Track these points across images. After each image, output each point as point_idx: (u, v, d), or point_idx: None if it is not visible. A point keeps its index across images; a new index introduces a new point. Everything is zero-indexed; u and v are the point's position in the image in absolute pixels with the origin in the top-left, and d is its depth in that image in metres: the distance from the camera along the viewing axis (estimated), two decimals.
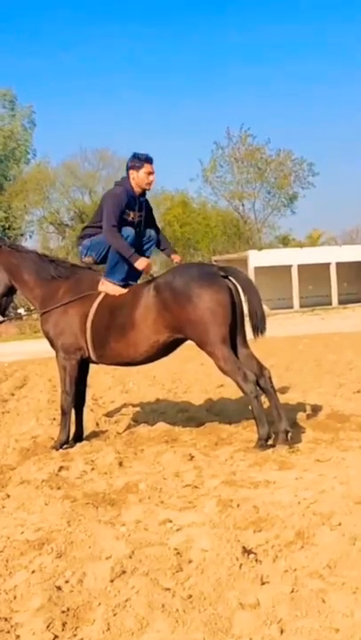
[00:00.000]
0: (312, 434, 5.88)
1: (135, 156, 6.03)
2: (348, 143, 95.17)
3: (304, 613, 2.69)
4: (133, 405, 7.98)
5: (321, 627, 2.59)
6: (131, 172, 6.03)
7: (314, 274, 39.70)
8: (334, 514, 3.67)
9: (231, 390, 7.98)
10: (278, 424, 5.46)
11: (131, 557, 3.30)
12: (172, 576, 3.10)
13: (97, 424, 6.98)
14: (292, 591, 2.87)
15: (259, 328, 5.64)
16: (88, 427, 6.70)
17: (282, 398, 7.65)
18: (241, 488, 4.38)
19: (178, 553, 3.32)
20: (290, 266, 39.21)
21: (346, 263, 40.57)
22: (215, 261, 39.93)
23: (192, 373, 10.91)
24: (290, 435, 5.47)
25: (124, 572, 3.15)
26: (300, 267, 39.21)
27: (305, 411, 6.84)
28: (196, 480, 4.68)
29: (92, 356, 6.03)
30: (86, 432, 6.51)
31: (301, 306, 38.51)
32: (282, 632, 2.58)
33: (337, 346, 14.81)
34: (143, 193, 6.17)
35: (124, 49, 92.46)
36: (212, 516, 3.86)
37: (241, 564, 3.10)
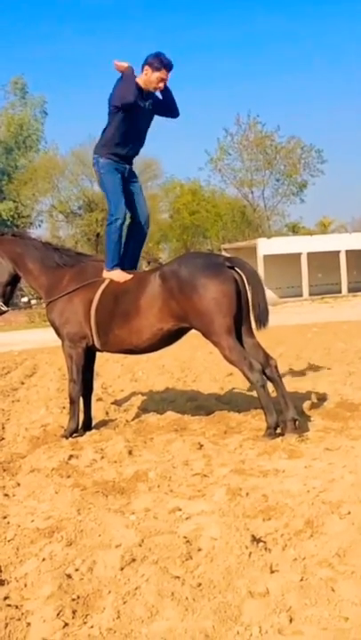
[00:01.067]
0: (321, 422, 5.88)
1: (157, 56, 5.84)
2: (356, 131, 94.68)
3: (313, 602, 2.70)
4: (142, 394, 7.99)
5: (330, 615, 2.60)
6: (146, 67, 5.86)
7: (323, 262, 39.50)
8: (344, 502, 3.67)
9: (240, 379, 7.96)
10: (286, 412, 5.47)
11: (140, 546, 3.32)
12: (182, 564, 3.11)
13: (106, 413, 7.00)
14: (302, 580, 2.88)
15: (261, 321, 5.64)
16: (97, 415, 6.72)
17: (291, 387, 7.66)
18: (250, 477, 4.39)
19: (187, 541, 3.33)
20: (299, 254, 39.00)
21: (356, 251, 40.33)
22: (224, 249, 39.90)
23: (201, 362, 10.91)
24: (298, 423, 5.48)
25: (133, 560, 3.17)
26: (310, 254, 39.01)
27: (314, 399, 6.84)
28: (205, 469, 4.69)
29: (97, 344, 6.04)
30: (96, 421, 6.53)
31: (311, 294, 38.36)
32: (291, 620, 2.59)
33: (347, 334, 14.76)
34: (148, 94, 6.02)
35: (132, 38, 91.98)
36: (221, 504, 3.87)
37: (250, 553, 3.11)
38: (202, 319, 5.48)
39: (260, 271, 36.98)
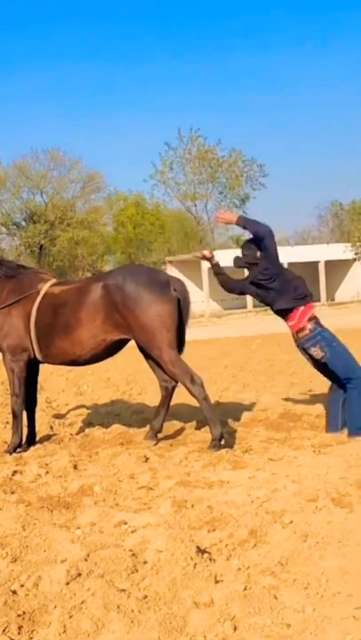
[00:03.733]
0: (265, 433, 5.98)
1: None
2: (297, 144, 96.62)
3: (257, 610, 2.75)
4: (88, 408, 7.96)
5: (273, 622, 2.66)
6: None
7: None
8: (286, 512, 3.75)
9: (185, 392, 8.03)
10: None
11: (86, 560, 3.32)
12: (128, 577, 3.13)
13: (51, 427, 6.95)
14: (245, 589, 2.93)
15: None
16: (42, 430, 6.67)
17: (235, 398, 7.76)
18: (195, 488, 4.43)
19: (133, 554, 3.35)
20: None
21: (298, 263, 40.95)
22: (169, 262, 40.12)
23: (146, 375, 10.85)
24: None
25: (79, 574, 3.17)
26: None
27: (258, 410, 6.93)
28: (151, 481, 4.72)
29: (38, 356, 6.02)
30: (40, 435, 6.48)
31: (255, 306, 38.70)
32: (235, 629, 2.64)
33: (290, 345, 14.79)
34: None
35: (77, 47, 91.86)
36: (166, 516, 3.90)
37: (195, 564, 3.16)
38: (144, 334, 5.56)
39: (205, 284, 37.33)
